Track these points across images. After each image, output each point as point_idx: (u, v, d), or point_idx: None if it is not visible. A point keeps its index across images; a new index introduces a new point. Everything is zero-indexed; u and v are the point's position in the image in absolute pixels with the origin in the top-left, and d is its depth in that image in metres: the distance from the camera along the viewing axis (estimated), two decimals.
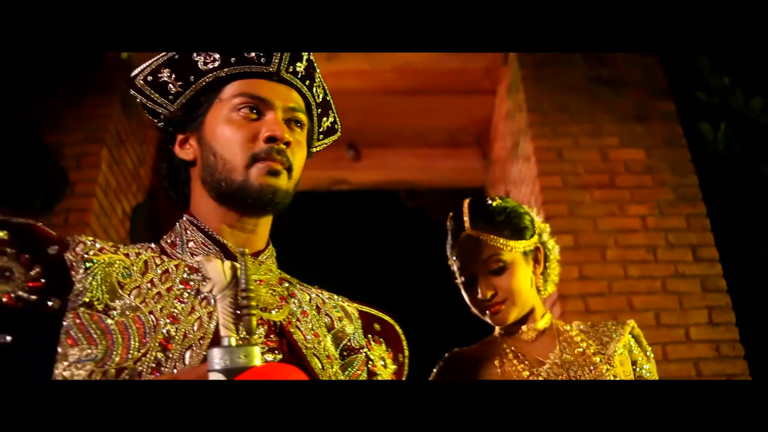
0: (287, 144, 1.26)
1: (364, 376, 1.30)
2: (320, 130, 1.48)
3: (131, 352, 1.08)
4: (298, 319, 1.27)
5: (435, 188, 5.73)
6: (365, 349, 1.35)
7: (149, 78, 1.35)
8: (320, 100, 1.44)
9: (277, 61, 1.31)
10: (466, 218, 2.00)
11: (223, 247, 1.27)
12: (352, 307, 1.41)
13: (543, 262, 2.04)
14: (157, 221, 4.82)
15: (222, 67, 1.31)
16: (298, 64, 1.35)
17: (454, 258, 2.00)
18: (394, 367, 1.38)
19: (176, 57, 1.33)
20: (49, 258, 1.12)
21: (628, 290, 3.61)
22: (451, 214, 2.07)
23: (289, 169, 1.26)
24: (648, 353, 1.94)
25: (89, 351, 1.06)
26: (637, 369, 1.90)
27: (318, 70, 1.41)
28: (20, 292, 1.06)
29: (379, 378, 1.33)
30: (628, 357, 1.90)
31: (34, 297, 1.07)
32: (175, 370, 1.08)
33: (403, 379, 1.39)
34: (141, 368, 1.07)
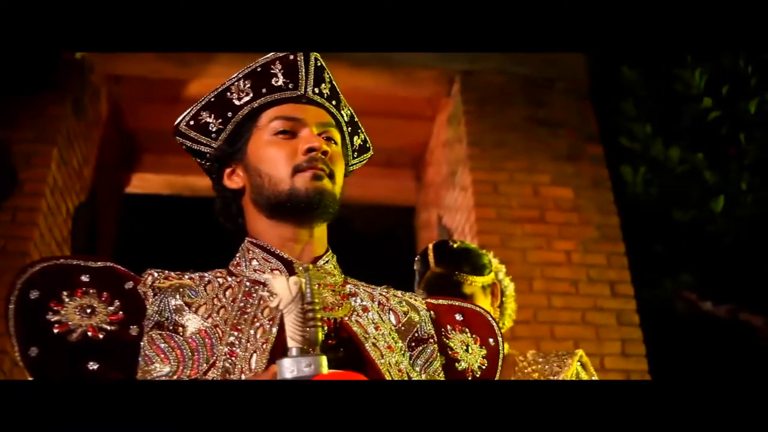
0: (325, 153, 1.36)
1: (438, 364, 1.38)
2: (353, 147, 1.57)
3: (201, 364, 1.20)
4: (358, 314, 1.36)
5: (369, 205, 5.91)
6: (440, 337, 1.42)
7: (191, 122, 1.48)
8: (348, 119, 1.54)
9: (303, 84, 1.44)
10: (431, 258, 2.25)
11: (283, 260, 1.36)
12: (420, 301, 1.48)
13: (500, 297, 2.29)
14: (95, 222, 4.86)
15: (255, 98, 1.44)
16: (323, 85, 1.47)
17: (421, 293, 2.22)
18: (483, 351, 1.45)
19: (212, 99, 1.46)
20: (125, 293, 1.27)
21: (551, 320, 3.89)
22: (417, 257, 2.31)
23: (331, 176, 1.36)
24: (594, 378, 2.20)
25: (162, 367, 1.19)
26: None
27: (342, 95, 1.55)
28: (103, 325, 1.21)
29: (463, 363, 1.40)
30: None
31: (114, 328, 1.22)
32: (242, 376, 1.19)
33: (500, 358, 1.46)
34: (211, 377, 1.19)
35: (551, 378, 2.14)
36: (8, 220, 3.75)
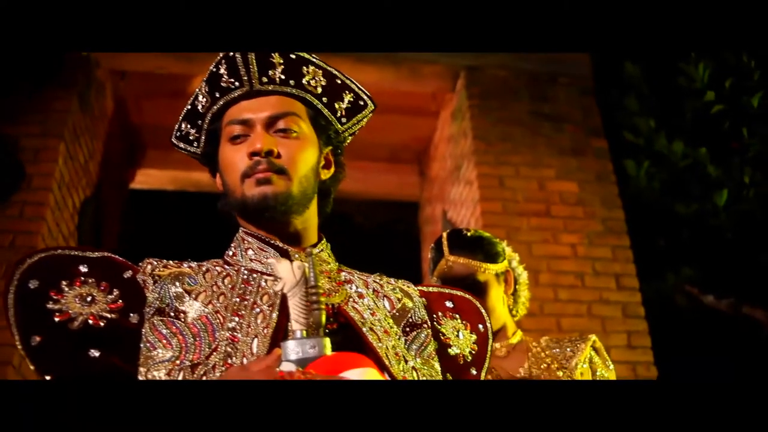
0: (270, 153, 1.33)
1: (431, 348, 1.41)
2: (339, 114, 1.50)
3: (203, 349, 1.22)
4: (354, 301, 1.37)
5: (372, 199, 5.94)
6: (432, 323, 1.45)
7: (177, 134, 1.50)
8: (320, 90, 1.45)
9: (246, 78, 1.39)
10: (445, 246, 2.27)
11: (278, 248, 1.37)
12: (412, 288, 1.50)
13: (513, 285, 2.32)
14: (101, 217, 4.87)
15: (213, 104, 1.43)
16: (272, 71, 1.40)
17: (436, 281, 2.25)
18: (473, 336, 1.48)
19: (188, 108, 1.47)
20: (124, 282, 1.29)
21: (558, 312, 3.92)
22: (432, 245, 2.33)
23: (280, 171, 1.33)
24: (608, 363, 2.22)
25: (164, 352, 1.21)
26: (598, 378, 2.17)
27: (314, 63, 1.44)
28: (103, 313, 1.23)
29: (455, 348, 1.44)
30: (589, 369, 2.18)
31: (115, 316, 1.23)
32: (244, 360, 1.21)
33: (490, 344, 1.50)
34: (213, 361, 1.21)
35: (564, 362, 2.17)
36: (16, 215, 3.76)
